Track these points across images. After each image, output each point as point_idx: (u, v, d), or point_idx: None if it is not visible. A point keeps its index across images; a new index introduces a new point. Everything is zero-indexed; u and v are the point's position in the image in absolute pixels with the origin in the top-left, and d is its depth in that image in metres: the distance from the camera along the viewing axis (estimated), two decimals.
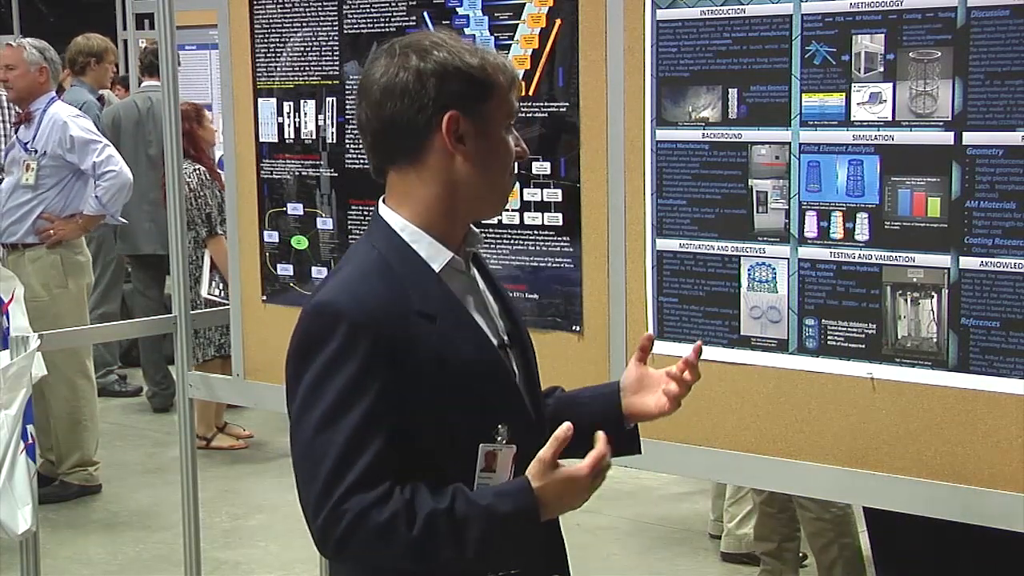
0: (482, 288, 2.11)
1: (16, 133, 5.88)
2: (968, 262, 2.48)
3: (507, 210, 3.04)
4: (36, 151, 5.76)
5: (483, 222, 2.60)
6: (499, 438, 1.97)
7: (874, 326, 2.60)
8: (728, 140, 2.73)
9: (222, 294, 6.10)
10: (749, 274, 2.74)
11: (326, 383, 1.94)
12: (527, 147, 2.07)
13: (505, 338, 2.09)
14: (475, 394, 1.98)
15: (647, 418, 2.23)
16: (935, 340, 2.53)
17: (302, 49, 3.41)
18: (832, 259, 2.63)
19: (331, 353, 1.93)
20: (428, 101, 1.95)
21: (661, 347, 2.87)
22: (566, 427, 1.92)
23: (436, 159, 1.98)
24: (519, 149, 2.04)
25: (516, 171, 2.08)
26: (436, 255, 2.01)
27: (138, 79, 7.98)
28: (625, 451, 2.22)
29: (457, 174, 1.99)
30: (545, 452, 1.92)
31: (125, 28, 9.45)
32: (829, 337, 2.66)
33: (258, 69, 3.52)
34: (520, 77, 2.09)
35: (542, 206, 3.03)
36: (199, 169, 6.22)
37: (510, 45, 3.02)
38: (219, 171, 6.28)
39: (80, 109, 6.15)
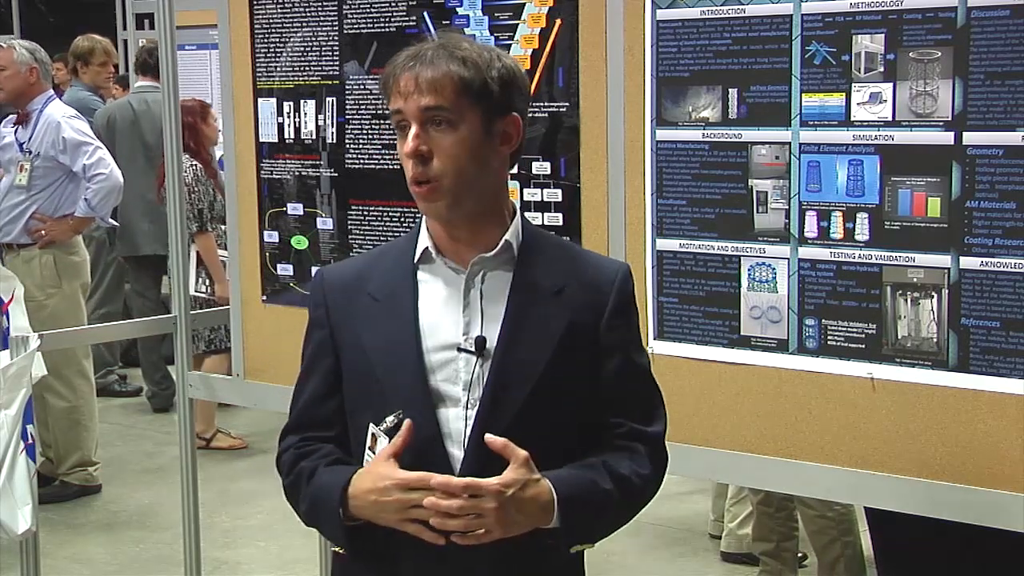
0: (472, 289, 2.09)
1: (15, 134, 5.89)
2: (968, 262, 2.48)
3: None
4: (31, 152, 5.78)
5: None
6: (383, 425, 2.07)
7: (874, 326, 2.60)
8: (728, 140, 2.73)
9: (208, 291, 6.13)
10: (749, 274, 2.74)
11: None
12: (414, 144, 2.02)
13: (467, 341, 2.07)
14: (377, 376, 2.10)
15: None
16: (935, 340, 2.53)
17: (302, 49, 3.41)
18: (832, 259, 2.63)
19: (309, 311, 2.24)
20: None
21: (661, 347, 2.87)
22: (407, 424, 2.03)
23: None
24: (404, 149, 2.04)
25: (420, 171, 2.03)
26: (421, 246, 2.14)
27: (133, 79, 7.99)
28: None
29: None
30: (388, 447, 2.03)
31: (125, 28, 9.45)
32: (829, 337, 2.66)
33: (258, 69, 3.52)
34: (423, 76, 2.02)
35: (542, 206, 3.03)
36: (195, 165, 6.22)
37: (510, 45, 3.02)
38: (215, 168, 6.30)
39: (78, 109, 6.15)
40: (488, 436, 2.00)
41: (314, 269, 3.43)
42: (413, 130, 2.02)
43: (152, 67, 7.03)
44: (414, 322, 2.09)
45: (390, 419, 2.05)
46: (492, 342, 2.07)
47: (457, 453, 2.06)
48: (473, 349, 2.07)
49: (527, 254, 2.12)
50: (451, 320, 2.09)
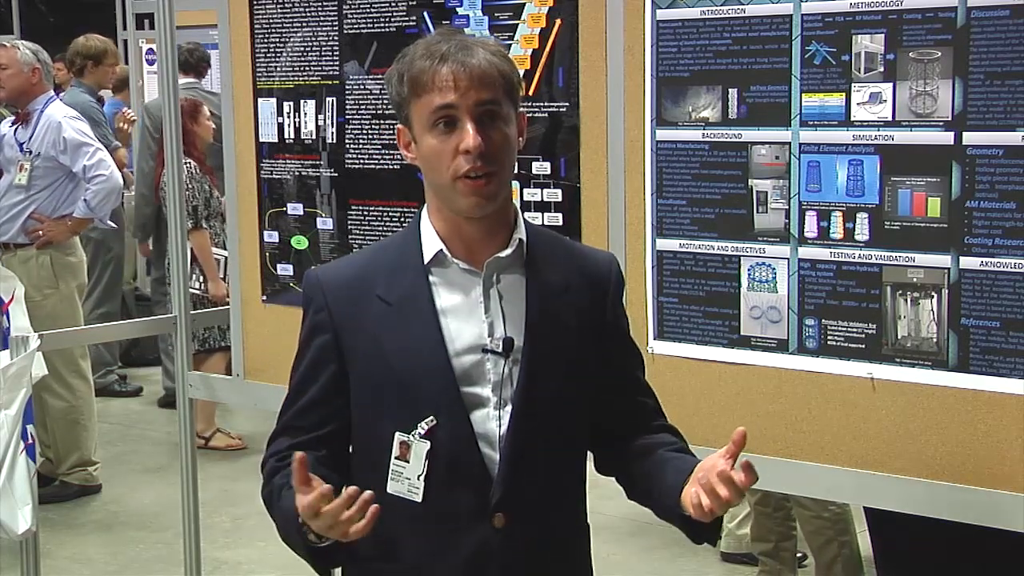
0: (491, 290, 2.09)
1: (15, 133, 5.91)
2: (968, 262, 2.48)
3: None
4: (31, 152, 5.79)
5: None
6: (416, 431, 2.05)
7: (874, 326, 2.60)
8: (728, 140, 2.73)
9: (202, 288, 6.14)
10: (749, 274, 2.74)
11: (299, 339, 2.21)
12: (479, 140, 1.99)
13: (493, 343, 2.07)
14: (403, 383, 2.07)
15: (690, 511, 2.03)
16: (935, 340, 2.53)
17: (302, 49, 3.41)
18: (832, 259, 2.63)
19: (302, 312, 2.19)
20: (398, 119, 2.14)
21: (661, 347, 2.87)
22: (365, 496, 1.90)
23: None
24: (463, 145, 2.00)
25: (480, 165, 2.00)
26: (430, 247, 2.10)
27: (139, 79, 7.97)
28: (694, 537, 2.12)
29: (424, 176, 2.11)
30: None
31: (125, 28, 9.44)
32: (829, 337, 2.66)
33: (258, 69, 3.52)
34: (472, 70, 2.01)
35: (542, 206, 3.03)
36: (189, 163, 6.23)
37: (510, 45, 3.02)
38: (211, 166, 6.29)
39: (79, 111, 6.16)
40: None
41: None
42: (471, 125, 2.00)
43: (192, 66, 7.17)
44: (437, 326, 2.07)
45: (423, 425, 2.04)
46: (518, 342, 2.08)
47: (492, 454, 2.07)
48: (500, 350, 2.07)
49: (533, 252, 2.13)
50: (473, 322, 2.09)
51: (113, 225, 6.55)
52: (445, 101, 2.00)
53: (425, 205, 2.15)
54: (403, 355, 2.07)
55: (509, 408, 2.07)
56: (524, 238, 2.12)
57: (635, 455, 2.20)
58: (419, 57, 2.04)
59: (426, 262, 2.10)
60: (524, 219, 2.16)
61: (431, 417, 2.04)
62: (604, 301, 2.19)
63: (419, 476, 2.06)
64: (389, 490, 2.08)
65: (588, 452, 2.25)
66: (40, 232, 5.79)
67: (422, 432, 2.04)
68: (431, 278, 2.10)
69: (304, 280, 2.21)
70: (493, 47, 2.07)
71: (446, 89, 2.00)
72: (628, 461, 2.21)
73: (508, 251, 2.09)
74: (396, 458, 2.06)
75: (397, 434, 2.06)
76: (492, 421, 2.07)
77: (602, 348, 2.17)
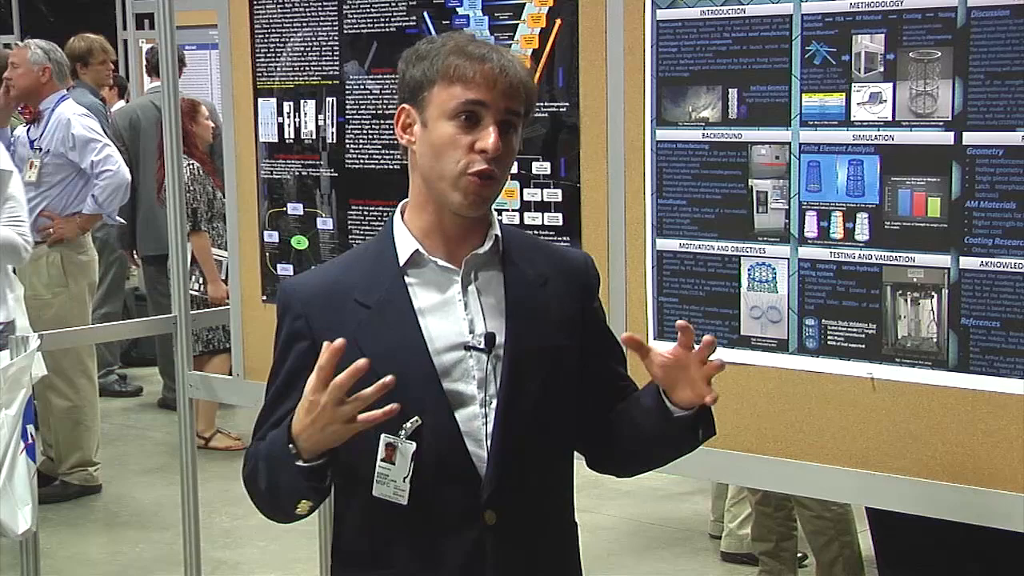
0: (469, 287, 2.09)
1: (27, 132, 5.93)
2: (968, 262, 2.48)
3: (507, 210, 3.05)
4: (41, 149, 5.82)
5: None
6: (401, 432, 2.03)
7: (874, 326, 2.60)
8: (728, 140, 2.73)
9: (201, 290, 6.15)
10: (749, 274, 2.74)
11: (273, 350, 2.18)
12: (499, 144, 2.01)
13: (474, 339, 2.07)
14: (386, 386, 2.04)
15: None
16: (935, 340, 2.53)
17: (302, 49, 3.41)
18: (832, 259, 2.64)
19: (277, 324, 2.17)
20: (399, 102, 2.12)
21: (661, 347, 2.86)
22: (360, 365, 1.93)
23: (410, 153, 2.11)
24: (481, 144, 2.01)
25: (482, 163, 2.01)
26: (406, 248, 2.10)
27: (139, 80, 7.98)
28: (687, 445, 2.15)
29: (417, 163, 2.09)
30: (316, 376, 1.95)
31: (125, 28, 9.46)
32: (829, 337, 2.66)
33: (258, 69, 3.52)
34: (511, 77, 2.03)
35: (542, 206, 3.03)
36: (192, 164, 6.23)
37: (510, 45, 3.02)
38: (213, 166, 6.30)
39: (87, 110, 6.18)
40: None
41: None
42: (494, 127, 2.01)
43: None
44: (417, 326, 2.07)
45: (408, 425, 2.03)
46: (499, 338, 2.08)
47: (479, 452, 2.06)
48: (483, 346, 2.07)
49: (509, 249, 2.14)
50: (453, 320, 2.09)
51: (122, 221, 6.56)
52: (479, 97, 2.01)
53: (399, 207, 2.14)
54: (385, 357, 2.04)
55: (495, 404, 2.07)
56: (499, 234, 2.13)
57: (614, 426, 2.21)
58: (458, 52, 2.03)
59: (402, 264, 2.09)
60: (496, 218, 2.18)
61: (415, 418, 2.03)
62: (582, 294, 2.20)
63: (404, 478, 2.04)
64: (375, 493, 2.06)
65: (576, 447, 2.24)
66: (51, 230, 5.81)
67: (407, 432, 2.03)
68: (407, 279, 2.09)
69: (278, 292, 2.21)
70: (522, 63, 2.09)
71: (484, 86, 2.01)
72: (612, 437, 2.22)
73: (486, 247, 2.10)
74: (382, 460, 2.05)
75: (383, 436, 2.04)
76: (478, 419, 2.07)
77: (581, 342, 2.18)
